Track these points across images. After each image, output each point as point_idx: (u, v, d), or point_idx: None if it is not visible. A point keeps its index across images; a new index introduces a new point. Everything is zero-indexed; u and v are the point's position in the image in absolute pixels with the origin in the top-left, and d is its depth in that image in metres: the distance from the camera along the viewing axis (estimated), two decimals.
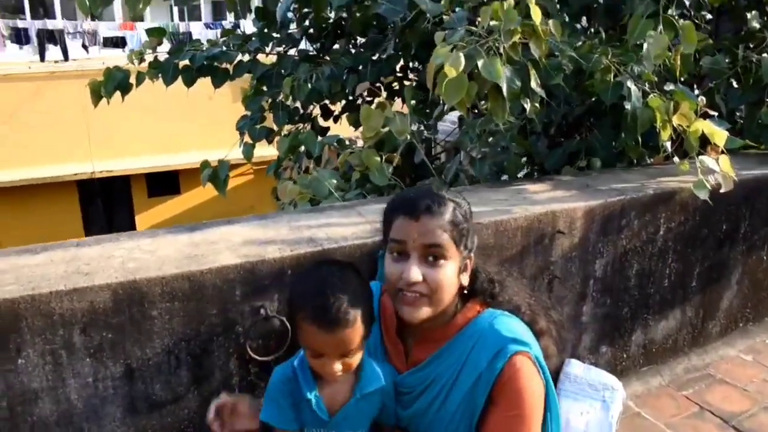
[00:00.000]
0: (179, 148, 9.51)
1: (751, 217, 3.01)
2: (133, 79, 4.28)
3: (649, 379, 2.89)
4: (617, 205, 2.58)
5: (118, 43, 11.11)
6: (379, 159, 2.84)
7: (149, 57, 4.39)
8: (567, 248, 2.49)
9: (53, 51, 11.41)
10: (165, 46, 4.66)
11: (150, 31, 4.60)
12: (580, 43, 3.04)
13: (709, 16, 3.69)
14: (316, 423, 1.44)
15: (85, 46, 11.81)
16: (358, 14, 3.47)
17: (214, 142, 4.32)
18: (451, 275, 1.42)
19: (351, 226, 2.21)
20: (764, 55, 3.44)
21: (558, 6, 3.27)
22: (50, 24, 11.18)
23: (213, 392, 2.01)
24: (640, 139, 2.83)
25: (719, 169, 2.60)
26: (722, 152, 2.67)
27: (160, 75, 4.35)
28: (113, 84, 4.27)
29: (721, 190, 2.60)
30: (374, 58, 3.88)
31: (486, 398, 1.42)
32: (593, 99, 3.23)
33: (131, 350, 1.87)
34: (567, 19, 3.43)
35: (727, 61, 3.51)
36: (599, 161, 3.11)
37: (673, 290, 2.88)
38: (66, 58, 10.94)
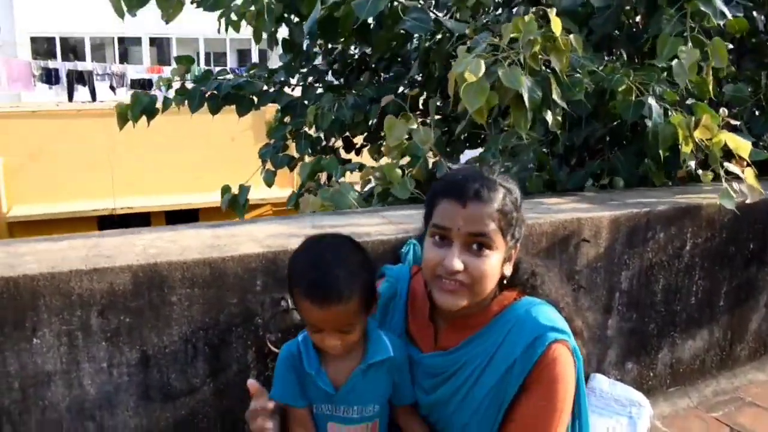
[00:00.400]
0: (200, 188, 9.62)
1: None
2: (159, 105, 4.37)
3: (677, 401, 2.79)
4: (643, 217, 2.54)
5: (145, 85, 11.38)
6: (400, 172, 2.84)
7: (176, 84, 4.49)
8: (592, 257, 2.44)
9: (82, 92, 11.74)
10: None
11: (178, 59, 4.71)
12: (602, 67, 3.07)
13: (730, 46, 3.71)
14: (323, 398, 1.39)
15: (112, 88, 12.13)
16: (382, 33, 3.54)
17: (235, 181, 4.35)
18: (494, 266, 1.34)
19: (374, 226, 2.19)
20: None
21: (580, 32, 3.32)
22: (80, 65, 11.54)
23: (229, 385, 1.97)
24: (662, 156, 2.80)
25: (744, 179, 2.57)
26: (747, 165, 2.64)
27: (186, 102, 4.44)
28: (140, 108, 4.35)
29: (747, 201, 2.57)
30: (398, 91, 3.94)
31: (519, 386, 1.35)
32: (615, 123, 3.24)
33: (148, 336, 1.84)
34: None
35: (749, 90, 3.52)
36: (622, 181, 3.09)
37: (701, 309, 2.80)
38: (94, 98, 11.23)
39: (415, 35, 3.67)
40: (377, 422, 1.41)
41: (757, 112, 3.66)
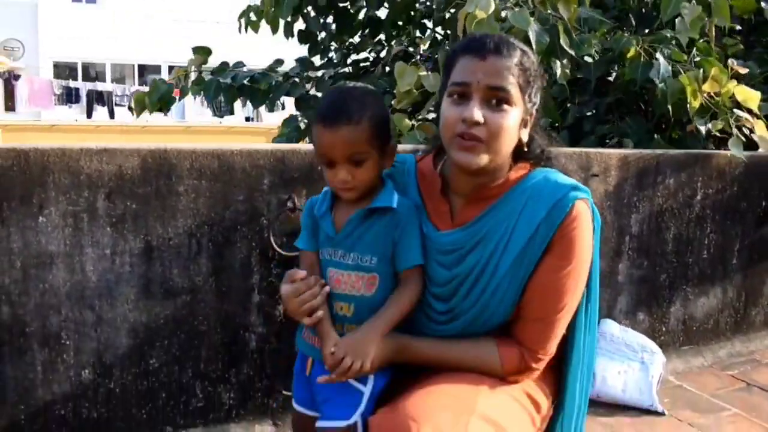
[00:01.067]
0: None
1: None
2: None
3: (690, 359, 2.71)
4: (652, 159, 2.53)
5: (161, 108, 11.60)
6: (410, 122, 2.85)
7: (193, 75, 4.58)
8: (602, 195, 2.43)
9: (100, 111, 11.97)
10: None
11: (196, 50, 4.81)
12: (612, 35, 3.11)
13: (738, 27, 3.75)
14: (326, 242, 1.37)
15: (131, 109, 12.32)
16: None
17: None
18: (513, 123, 1.31)
19: None
20: None
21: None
22: (100, 86, 11.80)
23: (231, 288, 1.95)
24: (671, 112, 2.79)
25: (754, 130, 2.56)
26: (757, 117, 2.63)
27: (202, 92, 4.51)
28: (158, 95, 4.43)
29: (760, 151, 2.55)
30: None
31: (545, 248, 1.32)
32: (624, 90, 3.26)
33: (153, 226, 1.83)
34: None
35: (757, 69, 3.54)
36: (631, 143, 3.08)
37: (713, 265, 2.75)
38: (112, 117, 11.44)
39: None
40: (376, 277, 1.37)
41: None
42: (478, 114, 1.28)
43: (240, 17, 4.68)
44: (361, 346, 1.26)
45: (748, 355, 2.81)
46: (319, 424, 1.34)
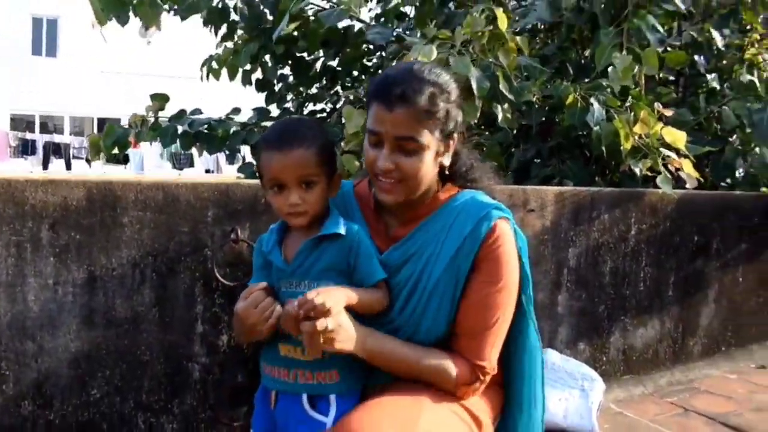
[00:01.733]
0: None
1: (722, 233, 3.08)
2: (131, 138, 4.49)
3: (631, 388, 2.79)
4: (587, 195, 2.66)
5: (121, 160, 11.58)
6: (359, 164, 2.95)
7: (151, 121, 4.63)
8: (539, 230, 2.54)
9: (57, 164, 11.89)
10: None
11: (153, 96, 4.88)
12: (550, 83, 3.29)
13: (672, 78, 4.01)
14: (279, 275, 1.41)
15: (88, 161, 12.28)
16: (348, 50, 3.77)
17: None
18: (426, 163, 1.40)
19: None
20: (724, 108, 3.69)
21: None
22: (57, 138, 11.74)
23: (175, 319, 1.97)
24: (604, 153, 2.96)
25: (682, 168, 2.72)
26: (685, 157, 2.81)
27: (159, 138, 4.57)
28: (112, 139, 4.46)
29: (687, 186, 2.71)
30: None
31: (470, 264, 1.41)
32: (564, 137, 3.43)
33: (97, 257, 1.86)
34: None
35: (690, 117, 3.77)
36: (572, 183, 3.23)
37: (650, 296, 2.87)
38: (68, 169, 11.36)
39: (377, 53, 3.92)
40: None
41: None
42: (388, 163, 1.38)
43: (202, 66, 4.78)
44: (329, 291, 1.28)
45: (687, 383, 2.91)
46: None
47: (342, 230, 1.42)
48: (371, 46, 4.19)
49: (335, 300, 1.27)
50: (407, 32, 3.34)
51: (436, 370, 1.38)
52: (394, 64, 3.73)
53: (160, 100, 4.86)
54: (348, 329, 1.31)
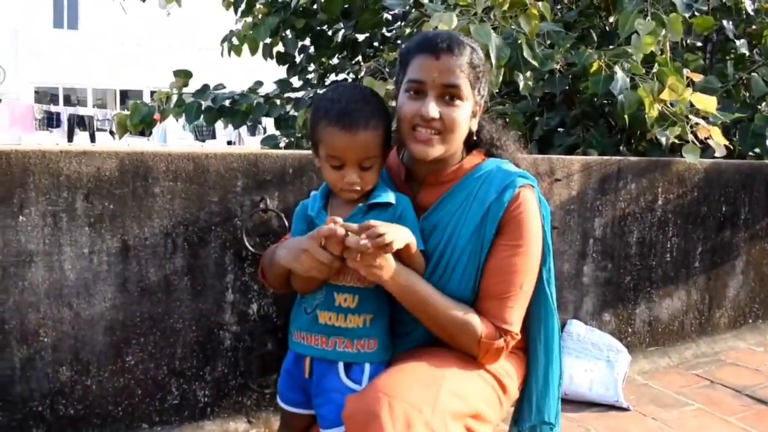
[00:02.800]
0: None
1: (750, 203, 3.04)
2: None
3: (657, 359, 2.80)
4: (614, 165, 2.64)
5: (144, 132, 11.67)
6: None
7: (175, 97, 4.66)
8: (565, 199, 2.53)
9: (81, 136, 12.01)
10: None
11: (177, 73, 4.90)
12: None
13: (699, 44, 3.93)
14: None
15: (112, 133, 12.40)
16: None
17: None
18: (465, 116, 1.44)
19: None
20: (753, 74, 3.61)
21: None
22: (81, 110, 11.84)
23: (206, 288, 2.01)
24: (627, 122, 2.92)
25: (711, 135, 2.68)
26: (713, 124, 2.76)
27: (183, 114, 4.61)
28: (138, 117, 4.51)
29: (716, 155, 2.67)
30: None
31: (495, 229, 1.43)
32: (589, 105, 3.39)
33: (130, 226, 1.89)
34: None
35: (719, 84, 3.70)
36: (596, 153, 3.20)
37: (676, 267, 2.86)
38: (93, 141, 11.48)
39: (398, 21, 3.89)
40: None
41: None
42: (435, 111, 1.41)
43: (222, 42, 4.78)
44: (395, 228, 1.30)
45: (713, 355, 2.90)
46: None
47: (392, 199, 1.44)
48: (391, 17, 4.16)
49: (399, 239, 1.29)
50: None
51: (462, 321, 1.39)
52: (414, 31, 3.70)
53: (183, 76, 4.88)
54: (390, 260, 1.33)
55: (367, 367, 1.38)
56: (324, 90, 1.48)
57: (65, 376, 1.87)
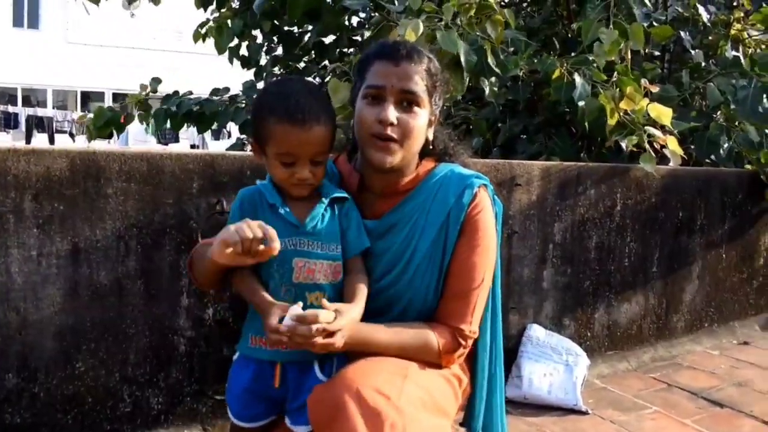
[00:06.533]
0: None
1: (706, 210, 3.10)
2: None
3: (615, 363, 2.83)
4: (574, 170, 2.67)
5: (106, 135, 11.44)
6: (344, 137, 2.93)
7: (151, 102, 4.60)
8: (525, 204, 2.54)
9: (40, 138, 11.71)
10: None
11: (153, 80, 4.80)
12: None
13: (657, 53, 4.01)
14: (289, 232, 1.36)
15: (72, 135, 12.15)
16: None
17: None
18: (422, 123, 1.44)
19: None
20: (709, 84, 3.70)
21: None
22: (40, 111, 11.56)
23: (160, 292, 1.96)
24: (587, 129, 2.95)
25: (666, 145, 2.73)
26: (670, 133, 2.81)
27: (152, 120, 4.55)
28: (102, 121, 4.44)
29: (670, 164, 2.72)
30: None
31: (458, 232, 1.44)
32: (551, 113, 3.43)
33: (81, 228, 1.84)
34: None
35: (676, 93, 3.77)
36: (558, 160, 3.23)
37: (634, 272, 2.90)
38: (52, 143, 11.21)
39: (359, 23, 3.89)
40: (340, 264, 1.42)
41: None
42: (393, 115, 1.41)
43: (199, 27, 4.67)
44: (343, 316, 1.28)
45: (670, 359, 2.95)
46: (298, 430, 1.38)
47: (346, 194, 1.43)
48: (355, 23, 4.15)
49: (347, 327, 1.28)
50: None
51: (419, 345, 1.41)
52: (375, 33, 3.70)
53: (153, 83, 4.80)
54: (338, 335, 1.29)
55: (335, 360, 1.38)
56: (264, 86, 1.45)
57: (11, 383, 1.80)
